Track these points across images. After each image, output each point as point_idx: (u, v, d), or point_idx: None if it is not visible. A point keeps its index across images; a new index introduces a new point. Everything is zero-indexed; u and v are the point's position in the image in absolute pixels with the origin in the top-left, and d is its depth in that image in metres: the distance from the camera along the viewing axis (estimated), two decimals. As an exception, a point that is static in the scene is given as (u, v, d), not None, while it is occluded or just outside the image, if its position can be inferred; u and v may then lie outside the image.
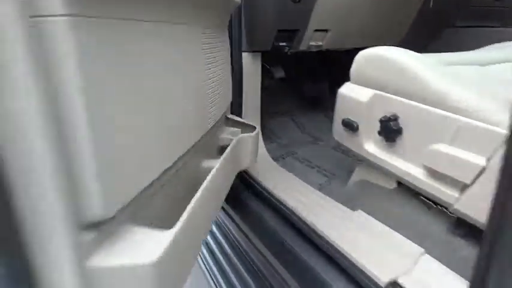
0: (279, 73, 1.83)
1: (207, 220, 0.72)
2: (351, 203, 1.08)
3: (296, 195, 1.13)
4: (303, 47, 1.48)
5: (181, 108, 0.67)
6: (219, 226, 1.40)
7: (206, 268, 1.29)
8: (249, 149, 1.09)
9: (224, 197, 0.94)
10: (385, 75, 0.95)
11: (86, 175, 0.41)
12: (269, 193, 1.18)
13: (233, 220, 1.27)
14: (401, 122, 0.93)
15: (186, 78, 0.69)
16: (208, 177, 0.72)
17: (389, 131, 0.94)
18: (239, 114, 1.38)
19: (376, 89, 0.99)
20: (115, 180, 0.46)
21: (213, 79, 0.89)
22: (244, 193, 1.27)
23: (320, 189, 1.19)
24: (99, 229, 0.45)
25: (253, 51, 1.36)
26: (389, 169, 0.98)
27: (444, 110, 0.81)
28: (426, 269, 0.80)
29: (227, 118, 1.18)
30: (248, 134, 1.09)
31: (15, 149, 0.36)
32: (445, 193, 0.84)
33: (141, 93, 0.51)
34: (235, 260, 1.23)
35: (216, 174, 0.77)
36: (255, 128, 1.15)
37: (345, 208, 1.06)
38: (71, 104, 0.39)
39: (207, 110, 0.85)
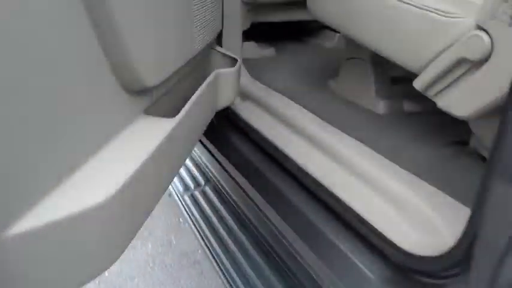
0: None
1: (176, 154, 0.73)
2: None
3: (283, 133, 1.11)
4: None
5: (173, 21, 0.71)
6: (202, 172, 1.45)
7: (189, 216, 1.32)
8: (228, 86, 1.05)
9: (197, 137, 0.94)
10: None
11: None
12: (253, 130, 1.17)
13: (217, 161, 1.30)
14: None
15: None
16: (178, 116, 0.71)
17: None
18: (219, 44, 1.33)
19: None
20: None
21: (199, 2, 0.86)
22: (227, 129, 1.28)
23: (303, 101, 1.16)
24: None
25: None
26: None
27: None
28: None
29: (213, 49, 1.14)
30: (227, 70, 1.03)
31: None
32: None
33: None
34: (221, 208, 1.26)
35: (188, 111, 0.77)
36: (236, 61, 1.11)
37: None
38: None
39: (194, 32, 0.84)
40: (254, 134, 1.15)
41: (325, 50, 1.80)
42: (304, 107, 1.13)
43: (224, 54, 1.15)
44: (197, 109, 0.84)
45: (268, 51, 1.68)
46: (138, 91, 0.63)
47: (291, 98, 1.19)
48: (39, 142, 0.43)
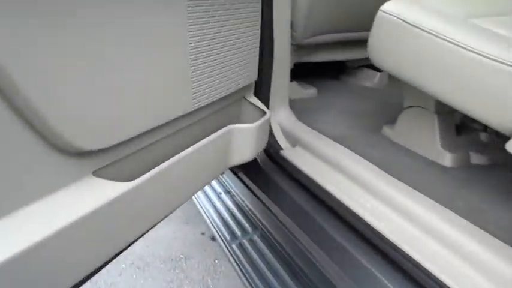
0: None
1: (129, 220, 0.71)
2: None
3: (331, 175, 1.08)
4: None
5: (144, 80, 0.68)
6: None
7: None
8: (244, 142, 1.01)
9: (185, 196, 0.88)
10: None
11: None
12: (304, 176, 1.12)
13: (266, 207, 1.25)
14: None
15: (145, 51, 0.67)
16: (137, 180, 0.69)
17: None
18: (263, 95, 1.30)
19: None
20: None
21: (207, 56, 0.83)
22: (275, 174, 1.24)
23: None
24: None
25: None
26: None
27: None
28: None
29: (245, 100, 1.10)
30: (242, 126, 0.99)
31: None
32: None
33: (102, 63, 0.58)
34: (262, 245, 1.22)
35: (179, 161, 0.76)
36: (264, 113, 1.07)
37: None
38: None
39: (188, 88, 0.80)
40: (305, 180, 1.12)
41: (367, 90, 1.77)
42: (360, 154, 1.09)
43: (255, 105, 1.12)
44: (184, 168, 0.81)
45: (311, 92, 1.66)
46: (79, 153, 0.61)
47: (343, 144, 1.16)
48: None
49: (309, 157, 1.18)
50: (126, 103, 0.66)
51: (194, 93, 0.82)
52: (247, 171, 1.35)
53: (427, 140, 1.11)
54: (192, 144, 0.84)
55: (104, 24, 0.58)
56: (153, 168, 0.73)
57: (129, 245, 0.75)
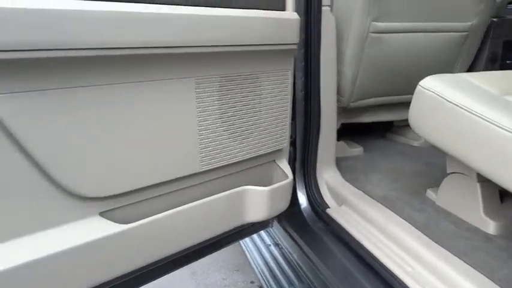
0: None
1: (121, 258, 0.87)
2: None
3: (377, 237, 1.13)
4: None
5: (148, 142, 0.87)
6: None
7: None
8: (259, 203, 1.11)
9: (192, 239, 1.01)
10: None
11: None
12: (349, 235, 1.19)
13: (312, 262, 1.31)
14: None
15: (153, 122, 0.86)
16: (132, 224, 0.86)
17: None
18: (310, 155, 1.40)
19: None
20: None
21: (218, 126, 0.97)
22: (321, 231, 1.30)
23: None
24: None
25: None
26: None
27: None
28: None
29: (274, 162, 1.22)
30: (256, 188, 1.09)
31: None
32: None
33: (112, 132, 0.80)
34: None
35: (179, 212, 0.93)
36: (287, 177, 1.17)
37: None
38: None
39: (195, 152, 0.95)
40: (349, 239, 1.18)
41: (413, 150, 1.82)
42: (404, 217, 1.15)
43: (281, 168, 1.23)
44: (184, 218, 0.96)
45: (357, 150, 1.74)
46: (87, 197, 0.81)
47: (388, 205, 1.22)
48: None
49: (354, 217, 1.26)
50: (132, 162, 0.85)
51: (202, 157, 0.97)
52: (295, 226, 1.44)
53: (470, 207, 1.15)
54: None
55: (115, 96, 0.79)
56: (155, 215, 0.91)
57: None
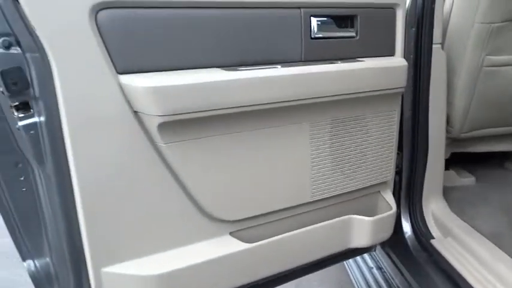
0: None
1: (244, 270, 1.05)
2: None
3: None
4: None
5: (269, 177, 1.04)
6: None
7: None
8: (363, 231, 1.21)
9: (302, 259, 1.15)
10: None
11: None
12: (453, 270, 1.20)
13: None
14: None
15: (274, 160, 1.03)
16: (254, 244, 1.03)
17: None
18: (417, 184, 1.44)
19: None
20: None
21: (328, 163, 1.10)
22: (425, 261, 1.32)
23: None
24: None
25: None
26: None
27: None
28: None
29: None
30: (361, 218, 1.20)
31: None
32: None
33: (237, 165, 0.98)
34: None
35: (294, 235, 1.09)
36: (390, 208, 1.25)
37: None
38: None
39: (307, 185, 1.09)
40: (453, 273, 1.20)
41: None
42: None
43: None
44: (297, 241, 1.11)
45: (468, 180, 1.71)
46: (222, 220, 1.00)
47: (497, 243, 1.21)
48: (146, 229, 0.93)
49: (460, 251, 1.27)
50: (256, 192, 1.02)
51: (313, 189, 1.11)
52: (399, 253, 1.49)
53: None
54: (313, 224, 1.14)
55: (247, 140, 0.97)
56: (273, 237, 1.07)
57: None
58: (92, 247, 0.88)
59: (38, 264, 0.98)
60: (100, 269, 0.89)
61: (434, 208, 1.46)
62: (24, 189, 0.92)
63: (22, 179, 0.91)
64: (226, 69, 0.90)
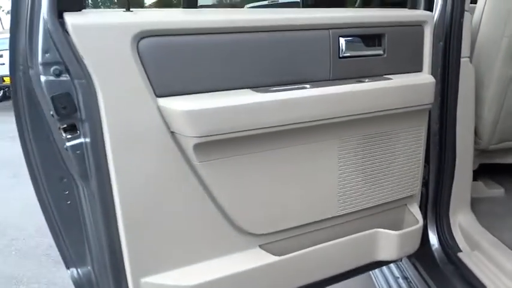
0: None
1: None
2: None
3: None
4: None
5: (298, 192, 1.07)
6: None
7: None
8: (389, 245, 1.22)
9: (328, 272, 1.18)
10: None
11: None
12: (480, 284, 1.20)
13: None
14: None
15: (302, 176, 1.06)
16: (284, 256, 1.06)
17: None
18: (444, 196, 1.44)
19: None
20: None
21: (356, 175, 1.13)
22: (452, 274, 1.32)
23: None
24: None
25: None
26: None
27: None
28: None
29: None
30: (387, 232, 1.21)
31: None
32: None
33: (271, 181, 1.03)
34: None
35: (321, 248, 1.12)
36: (417, 222, 1.26)
37: None
38: None
39: (334, 199, 1.12)
40: (480, 287, 1.20)
41: None
42: None
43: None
44: (325, 254, 1.14)
45: (497, 192, 1.69)
46: (252, 234, 1.05)
47: None
48: (180, 242, 0.98)
49: (488, 265, 1.27)
50: (285, 207, 1.06)
51: (340, 203, 1.14)
52: (425, 264, 1.50)
53: None
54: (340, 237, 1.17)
55: (279, 156, 1.02)
56: (300, 250, 1.10)
57: None
58: (132, 258, 0.93)
59: (80, 272, 1.04)
60: (139, 279, 0.95)
61: (462, 220, 1.46)
62: (68, 202, 0.99)
63: (67, 193, 0.98)
64: (257, 90, 0.95)
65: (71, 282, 1.06)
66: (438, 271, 1.40)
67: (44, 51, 0.80)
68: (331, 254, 1.15)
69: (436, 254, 1.43)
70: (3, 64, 7.35)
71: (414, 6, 1.21)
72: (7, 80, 7.41)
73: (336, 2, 2.21)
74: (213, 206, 0.98)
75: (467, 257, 1.32)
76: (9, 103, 9.50)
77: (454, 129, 1.36)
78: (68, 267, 1.05)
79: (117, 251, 0.95)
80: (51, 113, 0.84)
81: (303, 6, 2.25)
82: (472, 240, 1.37)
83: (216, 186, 0.96)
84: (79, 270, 1.04)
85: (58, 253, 1.00)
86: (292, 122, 0.96)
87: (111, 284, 0.98)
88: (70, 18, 0.79)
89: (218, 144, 0.92)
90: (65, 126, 0.86)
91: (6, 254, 2.67)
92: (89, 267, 1.04)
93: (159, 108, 0.88)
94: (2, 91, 9.12)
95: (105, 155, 0.87)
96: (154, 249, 0.95)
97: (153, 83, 0.87)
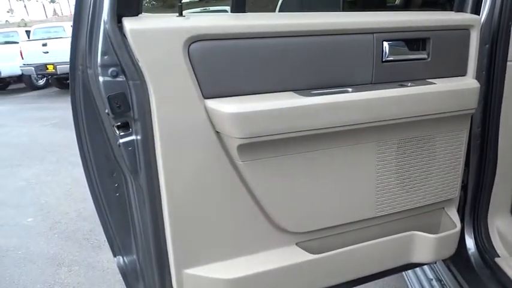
0: None
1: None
2: None
3: None
4: None
5: (336, 193, 1.10)
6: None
7: None
8: (425, 248, 1.23)
9: (362, 272, 1.20)
10: None
11: None
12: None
13: None
14: None
15: (341, 178, 1.09)
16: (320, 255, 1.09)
17: None
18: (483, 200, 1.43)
19: None
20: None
21: (395, 178, 1.14)
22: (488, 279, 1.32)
23: None
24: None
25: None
26: None
27: None
28: None
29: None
30: (424, 235, 1.22)
31: None
32: None
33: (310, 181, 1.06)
34: None
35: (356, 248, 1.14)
36: (454, 226, 1.26)
37: None
38: None
39: (372, 201, 1.14)
40: None
41: None
42: None
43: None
44: (359, 255, 1.16)
45: None
46: (290, 232, 1.08)
47: None
48: (222, 236, 1.03)
49: None
50: (324, 207, 1.09)
51: (378, 205, 1.16)
52: (461, 268, 1.49)
53: None
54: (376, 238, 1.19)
55: (320, 158, 1.04)
56: (337, 249, 1.13)
57: None
58: (176, 250, 0.99)
59: (126, 260, 1.11)
60: (182, 270, 1.00)
61: (500, 225, 1.44)
62: (117, 194, 1.05)
63: (116, 185, 1.04)
64: (300, 93, 0.97)
65: (109, 267, 1.12)
66: (474, 275, 1.39)
67: (103, 54, 0.86)
68: (367, 254, 1.17)
69: (472, 258, 1.42)
70: (47, 52, 7.68)
71: (461, 9, 1.18)
72: (50, 67, 7.75)
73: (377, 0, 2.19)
74: (253, 203, 1.02)
75: (505, 262, 1.31)
76: (51, 90, 9.93)
77: (496, 133, 1.33)
78: (114, 255, 1.12)
79: (161, 242, 1.00)
80: (107, 111, 0.90)
81: (343, 4, 2.24)
82: (510, 245, 1.36)
83: (257, 185, 0.99)
84: (125, 258, 1.11)
85: (97, 238, 1.06)
86: (333, 125, 0.98)
87: (155, 273, 1.04)
88: (128, 23, 0.84)
89: (261, 145, 0.95)
90: (119, 124, 0.92)
91: (50, 236, 2.82)
92: (134, 256, 1.10)
93: (206, 110, 0.92)
94: (45, 78, 9.52)
95: (155, 152, 0.92)
96: (196, 243, 1.00)
97: (201, 85, 0.90)
